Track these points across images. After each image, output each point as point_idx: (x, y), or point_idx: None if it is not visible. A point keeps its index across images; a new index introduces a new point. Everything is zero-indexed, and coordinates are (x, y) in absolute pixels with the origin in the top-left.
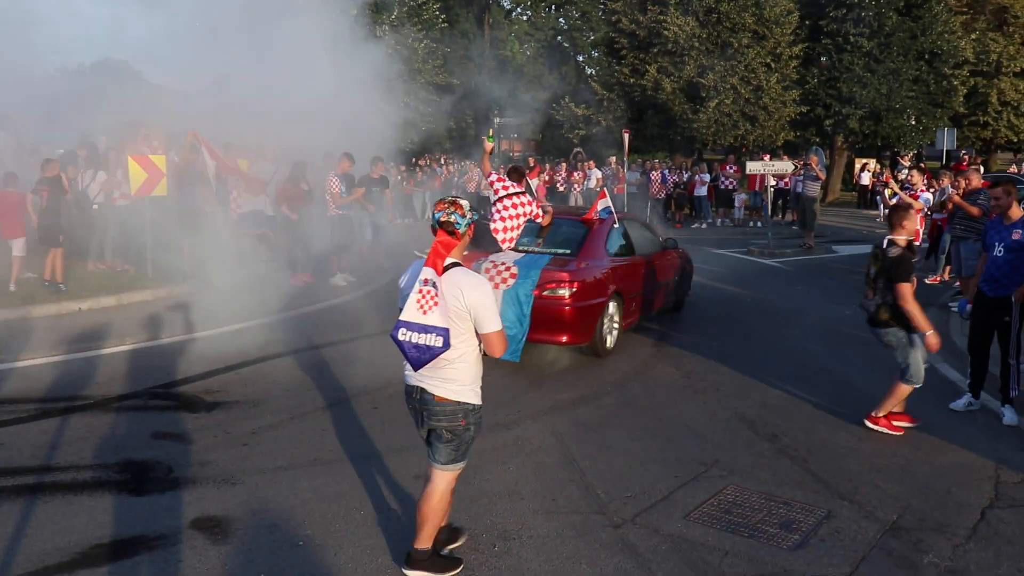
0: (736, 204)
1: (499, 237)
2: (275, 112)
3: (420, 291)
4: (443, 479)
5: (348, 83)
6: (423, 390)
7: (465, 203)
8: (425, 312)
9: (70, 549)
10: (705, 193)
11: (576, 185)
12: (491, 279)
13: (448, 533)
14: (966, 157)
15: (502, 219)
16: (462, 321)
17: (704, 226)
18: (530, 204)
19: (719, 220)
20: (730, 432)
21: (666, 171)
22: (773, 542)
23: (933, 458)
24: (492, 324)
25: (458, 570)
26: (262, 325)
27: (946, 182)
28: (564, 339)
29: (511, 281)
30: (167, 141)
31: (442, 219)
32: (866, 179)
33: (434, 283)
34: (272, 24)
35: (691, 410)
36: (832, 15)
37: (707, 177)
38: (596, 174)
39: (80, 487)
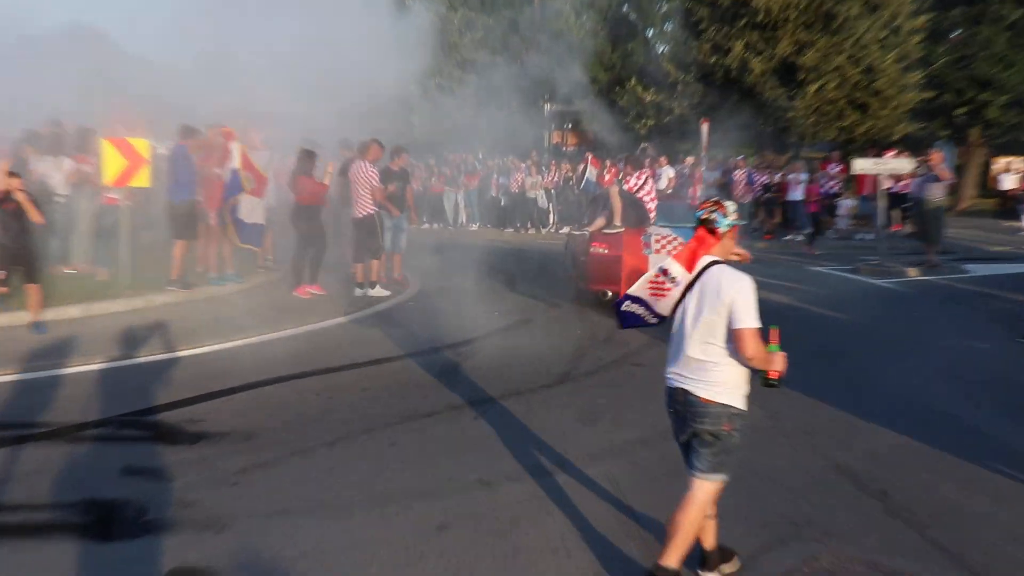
0: (840, 211)
1: (652, 216)
2: (277, 89)
3: (656, 277)
4: (703, 490)
5: (364, 58)
6: (687, 392)
7: (731, 204)
8: (652, 294)
9: None
10: (802, 197)
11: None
12: (663, 247)
13: (720, 554)
14: None
15: (652, 200)
16: (722, 318)
17: (800, 238)
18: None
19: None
20: (827, 486)
21: (752, 170)
22: None
23: None
24: (747, 320)
25: None
26: (260, 344)
27: None
28: None
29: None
30: (151, 124)
31: (703, 216)
32: (1008, 182)
33: (672, 277)
34: None
35: (779, 458)
36: None
37: (804, 177)
38: (668, 172)
39: (33, 531)
